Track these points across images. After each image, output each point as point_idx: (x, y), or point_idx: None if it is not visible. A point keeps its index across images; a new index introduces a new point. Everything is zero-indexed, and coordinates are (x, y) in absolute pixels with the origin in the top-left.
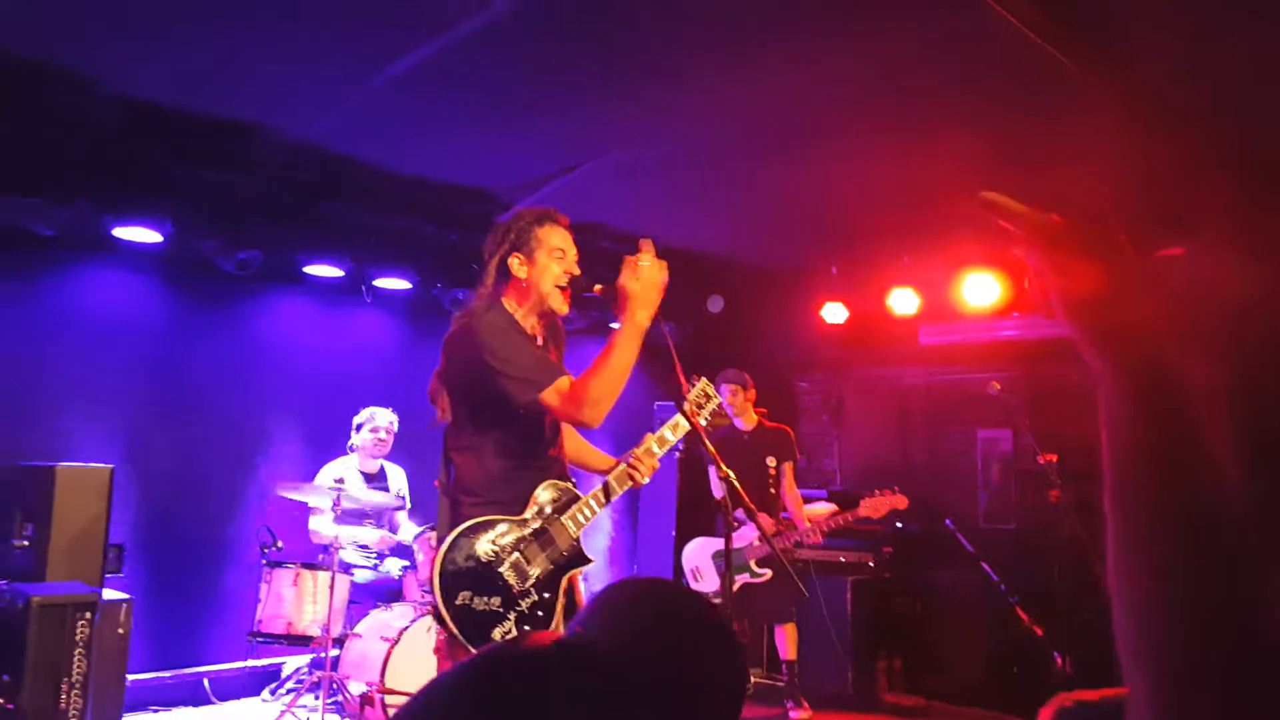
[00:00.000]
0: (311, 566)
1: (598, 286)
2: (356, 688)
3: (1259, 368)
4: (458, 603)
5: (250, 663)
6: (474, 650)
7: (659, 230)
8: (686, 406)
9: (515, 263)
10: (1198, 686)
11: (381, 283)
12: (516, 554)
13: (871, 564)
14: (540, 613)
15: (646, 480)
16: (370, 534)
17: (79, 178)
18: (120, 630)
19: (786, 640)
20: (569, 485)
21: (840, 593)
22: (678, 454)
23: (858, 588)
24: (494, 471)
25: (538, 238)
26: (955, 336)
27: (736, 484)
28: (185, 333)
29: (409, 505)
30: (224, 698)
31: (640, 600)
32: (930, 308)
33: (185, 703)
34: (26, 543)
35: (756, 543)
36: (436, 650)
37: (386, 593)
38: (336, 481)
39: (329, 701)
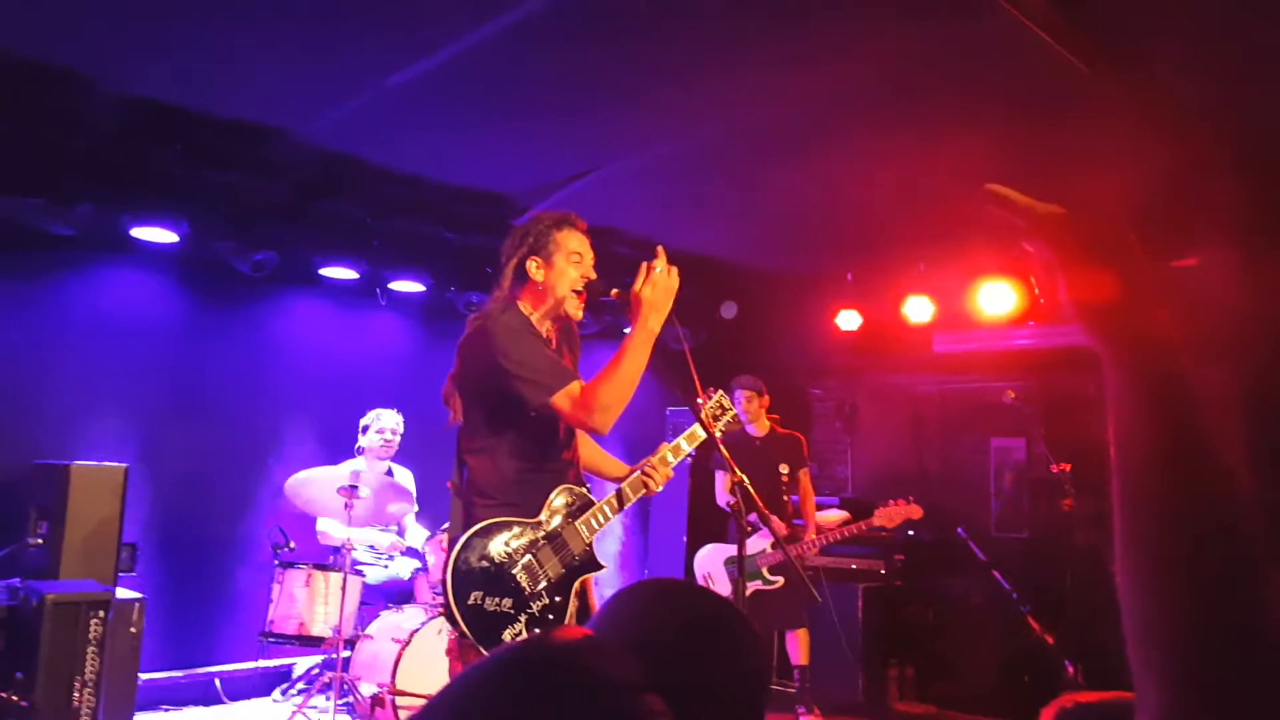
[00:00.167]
0: (324, 568)
1: (614, 290)
2: (367, 689)
3: (1271, 376)
4: (469, 602)
5: (261, 663)
6: (484, 651)
7: (673, 236)
8: (703, 417)
9: (533, 265)
10: (1204, 688)
11: (396, 285)
12: (529, 556)
13: (883, 571)
14: (551, 616)
15: (660, 489)
16: (380, 537)
17: (95, 178)
18: (133, 629)
19: (799, 646)
20: (584, 490)
21: (851, 600)
22: (689, 459)
23: (869, 595)
24: (508, 474)
25: (556, 241)
26: (970, 345)
27: (751, 489)
28: (200, 333)
29: (416, 507)
30: (235, 698)
31: (658, 599)
32: (945, 316)
33: (196, 702)
34: (41, 540)
35: (770, 549)
36: (448, 651)
37: (398, 594)
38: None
39: (340, 702)
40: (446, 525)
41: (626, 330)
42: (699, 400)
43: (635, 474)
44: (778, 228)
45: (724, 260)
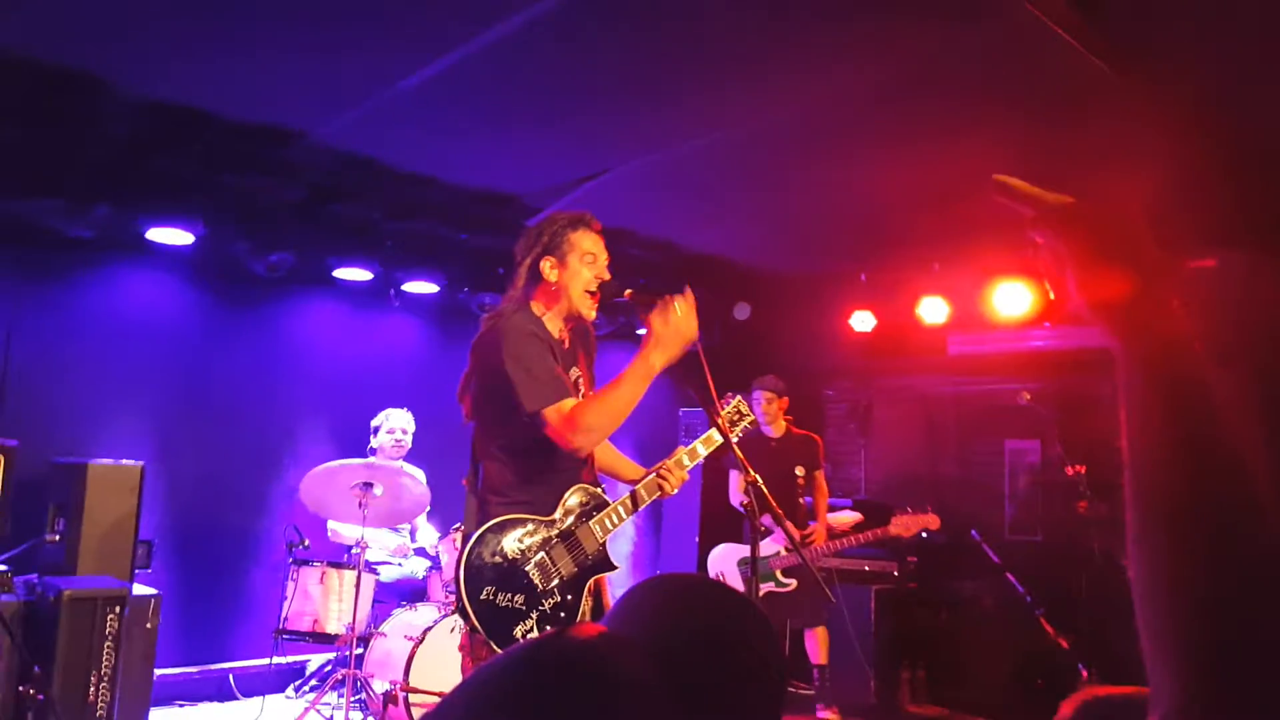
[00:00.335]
0: (338, 565)
1: (628, 291)
2: (380, 686)
3: None
4: (481, 597)
5: (275, 660)
6: (496, 647)
7: (686, 236)
8: (721, 422)
9: (547, 266)
10: (1216, 681)
11: (409, 286)
12: (542, 554)
13: (896, 574)
14: (563, 614)
15: (675, 491)
16: (391, 539)
17: (112, 180)
18: (149, 625)
19: (818, 644)
20: (598, 490)
21: (864, 602)
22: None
23: (882, 597)
24: (522, 473)
25: (570, 241)
26: (985, 346)
27: (765, 490)
28: (216, 334)
29: (428, 507)
30: (249, 694)
31: (676, 595)
32: (960, 317)
33: (211, 698)
34: (58, 537)
35: (784, 552)
36: (460, 647)
37: (411, 593)
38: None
39: (353, 699)
40: (458, 525)
41: (640, 332)
42: (717, 405)
43: (650, 476)
44: (791, 228)
45: (737, 261)
